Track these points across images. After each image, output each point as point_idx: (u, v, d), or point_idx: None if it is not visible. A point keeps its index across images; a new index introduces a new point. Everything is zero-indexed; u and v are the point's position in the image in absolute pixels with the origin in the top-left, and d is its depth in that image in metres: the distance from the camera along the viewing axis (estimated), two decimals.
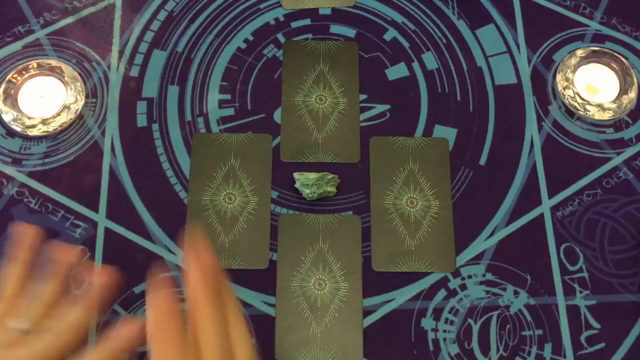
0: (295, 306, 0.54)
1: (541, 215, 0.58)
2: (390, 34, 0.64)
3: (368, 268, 0.56)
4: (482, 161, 0.60)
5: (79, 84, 0.60)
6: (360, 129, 0.60)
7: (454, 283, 0.56)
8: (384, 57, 0.63)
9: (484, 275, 0.56)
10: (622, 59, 0.62)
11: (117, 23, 0.64)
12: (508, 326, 0.55)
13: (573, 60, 0.62)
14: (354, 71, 0.62)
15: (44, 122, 0.59)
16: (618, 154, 0.60)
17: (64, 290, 0.45)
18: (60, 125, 0.59)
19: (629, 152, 0.60)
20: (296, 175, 0.57)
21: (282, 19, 0.64)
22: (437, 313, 0.55)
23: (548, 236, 0.57)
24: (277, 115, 0.61)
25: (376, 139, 0.60)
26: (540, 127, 0.61)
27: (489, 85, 0.62)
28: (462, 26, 0.64)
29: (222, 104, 0.61)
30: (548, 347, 0.54)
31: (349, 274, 0.56)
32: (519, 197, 0.58)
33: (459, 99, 0.62)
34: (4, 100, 0.59)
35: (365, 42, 0.63)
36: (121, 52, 0.62)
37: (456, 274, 0.56)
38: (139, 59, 0.62)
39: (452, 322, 0.55)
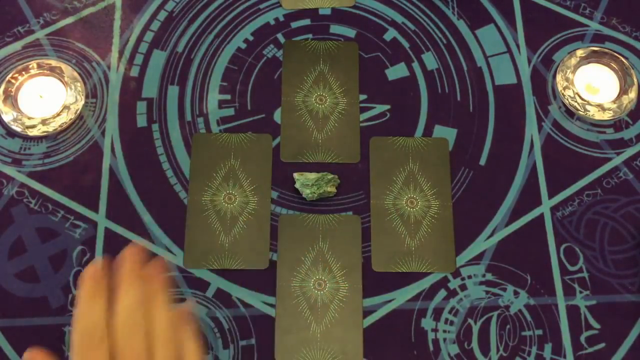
0: (295, 306, 0.54)
1: (541, 215, 0.58)
2: (390, 34, 0.64)
3: (368, 268, 0.56)
4: (482, 161, 0.60)
5: (79, 84, 0.60)
6: (360, 129, 0.60)
7: (454, 283, 0.56)
8: (384, 57, 0.63)
9: (484, 276, 0.56)
10: (622, 59, 0.62)
11: (117, 23, 0.64)
12: (508, 326, 0.55)
13: (573, 61, 0.62)
14: (354, 71, 0.62)
15: (44, 122, 0.59)
16: (618, 154, 0.60)
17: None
18: (60, 126, 0.59)
19: (629, 152, 0.60)
20: (296, 175, 0.57)
21: (282, 19, 0.64)
22: (437, 313, 0.55)
23: (548, 236, 0.57)
24: (277, 115, 0.61)
25: (376, 139, 0.60)
26: (540, 127, 0.61)
27: (489, 86, 0.62)
28: (462, 26, 0.64)
29: (222, 104, 0.61)
30: (548, 347, 0.54)
31: (349, 274, 0.55)
32: (519, 197, 0.58)
33: (459, 99, 0.62)
34: (4, 100, 0.59)
35: (365, 42, 0.63)
36: (121, 52, 0.62)
37: (456, 274, 0.56)
38: (139, 59, 0.62)
39: (452, 323, 0.55)
